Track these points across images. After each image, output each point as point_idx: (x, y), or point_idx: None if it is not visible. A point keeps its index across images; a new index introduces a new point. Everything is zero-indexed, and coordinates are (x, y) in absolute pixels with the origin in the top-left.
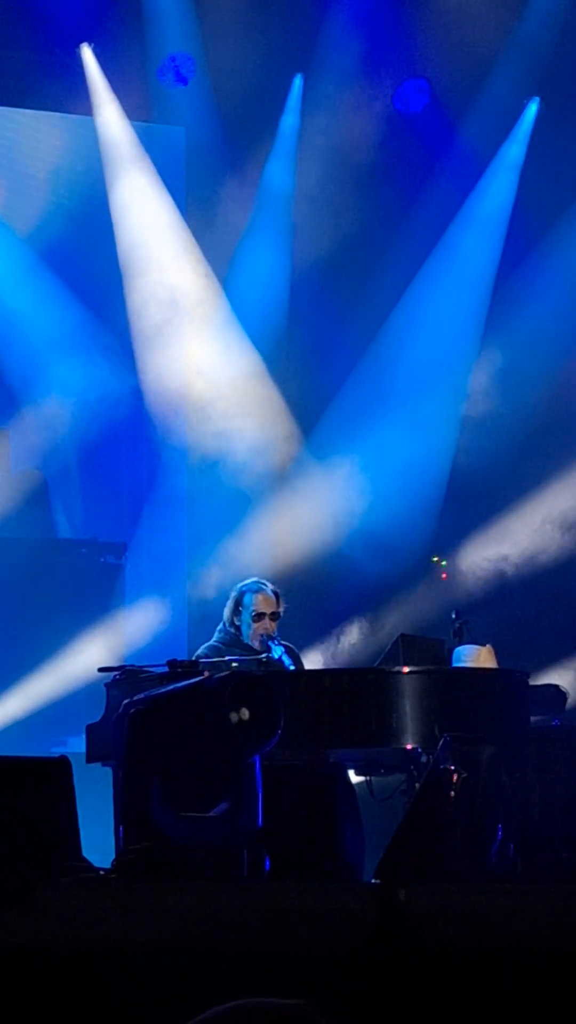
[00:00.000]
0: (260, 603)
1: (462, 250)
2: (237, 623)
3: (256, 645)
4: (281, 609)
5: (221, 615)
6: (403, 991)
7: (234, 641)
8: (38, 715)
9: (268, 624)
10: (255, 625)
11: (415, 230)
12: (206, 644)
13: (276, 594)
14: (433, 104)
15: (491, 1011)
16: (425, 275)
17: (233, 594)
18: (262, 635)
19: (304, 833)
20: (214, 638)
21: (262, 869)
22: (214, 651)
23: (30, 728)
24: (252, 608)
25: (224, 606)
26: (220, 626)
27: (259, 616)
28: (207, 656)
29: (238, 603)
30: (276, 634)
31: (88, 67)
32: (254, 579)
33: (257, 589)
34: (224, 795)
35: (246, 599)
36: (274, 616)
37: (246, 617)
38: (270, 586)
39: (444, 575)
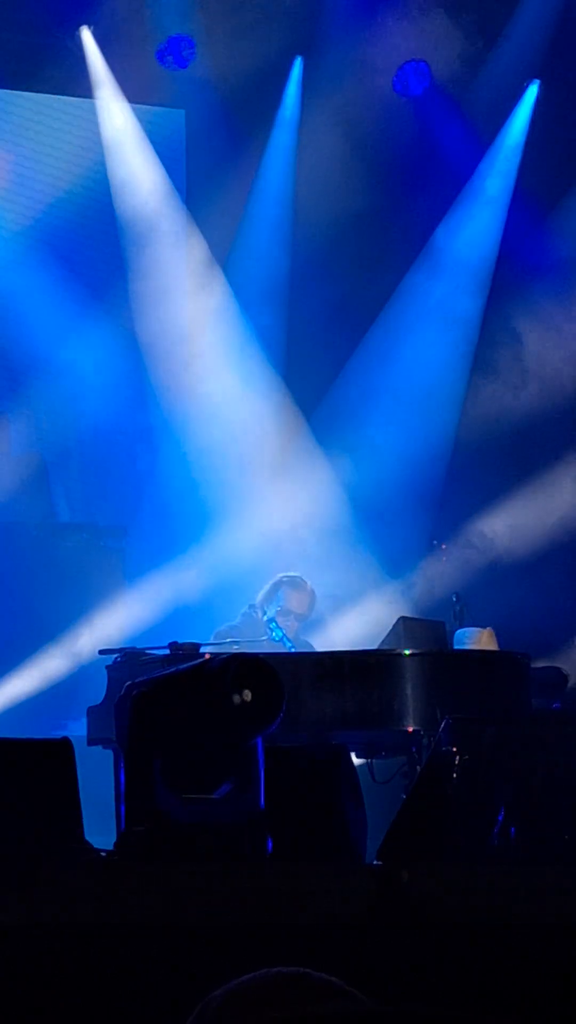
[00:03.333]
0: (293, 600)
1: (463, 233)
2: (266, 609)
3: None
4: (310, 612)
5: (222, 598)
6: (405, 970)
7: (254, 624)
8: (39, 698)
9: (292, 624)
10: (279, 620)
11: (416, 212)
12: (227, 624)
13: (313, 594)
14: (433, 87)
15: (493, 989)
16: (426, 257)
17: (273, 580)
18: (266, 619)
19: (306, 814)
20: (236, 619)
21: (264, 850)
22: (234, 631)
23: (31, 711)
24: (283, 603)
25: (224, 590)
26: (246, 608)
27: (285, 613)
28: (226, 635)
29: (273, 592)
30: (298, 634)
31: (88, 50)
32: (297, 574)
33: (295, 586)
34: (226, 777)
35: (280, 592)
36: (299, 618)
37: (274, 608)
38: (310, 585)
39: (445, 558)
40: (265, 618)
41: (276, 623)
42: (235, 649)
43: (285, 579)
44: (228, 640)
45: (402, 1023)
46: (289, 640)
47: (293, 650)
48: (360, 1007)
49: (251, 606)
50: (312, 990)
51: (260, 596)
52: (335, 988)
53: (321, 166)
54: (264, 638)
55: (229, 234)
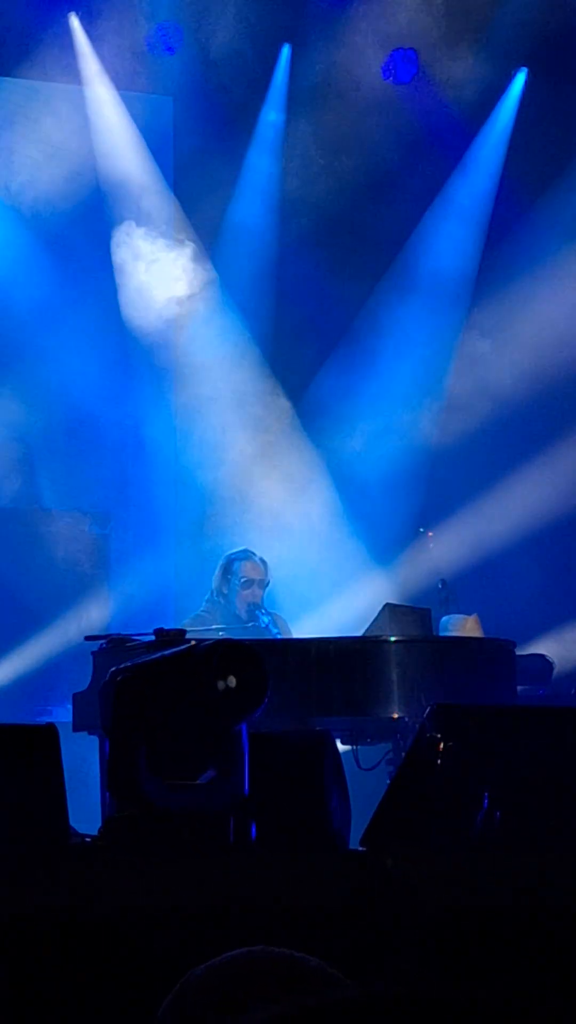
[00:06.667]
0: (248, 571)
1: (450, 219)
2: (225, 591)
3: (243, 614)
4: (268, 578)
5: (208, 584)
6: (389, 956)
7: (221, 610)
8: (24, 684)
9: (256, 592)
10: (243, 593)
11: (404, 200)
12: (193, 614)
13: (263, 563)
14: (421, 74)
15: (477, 976)
16: (414, 244)
17: (221, 562)
18: (249, 604)
19: (290, 801)
20: (201, 607)
21: (248, 836)
22: (200, 620)
23: (16, 697)
24: (240, 576)
25: (209, 576)
26: (208, 595)
27: (247, 584)
28: (193, 625)
29: (226, 571)
30: (263, 603)
31: (76, 36)
32: (242, 547)
33: (245, 557)
34: (211, 763)
35: (234, 567)
36: (261, 584)
37: (234, 585)
38: (258, 555)
39: (431, 545)
40: (247, 610)
41: (262, 610)
42: (220, 635)
43: (233, 555)
44: (214, 627)
45: (391, 1007)
46: (276, 627)
47: (279, 636)
48: (347, 992)
49: (212, 593)
50: (297, 972)
51: (215, 580)
52: (320, 971)
53: (309, 153)
54: (250, 624)
55: (216, 221)
